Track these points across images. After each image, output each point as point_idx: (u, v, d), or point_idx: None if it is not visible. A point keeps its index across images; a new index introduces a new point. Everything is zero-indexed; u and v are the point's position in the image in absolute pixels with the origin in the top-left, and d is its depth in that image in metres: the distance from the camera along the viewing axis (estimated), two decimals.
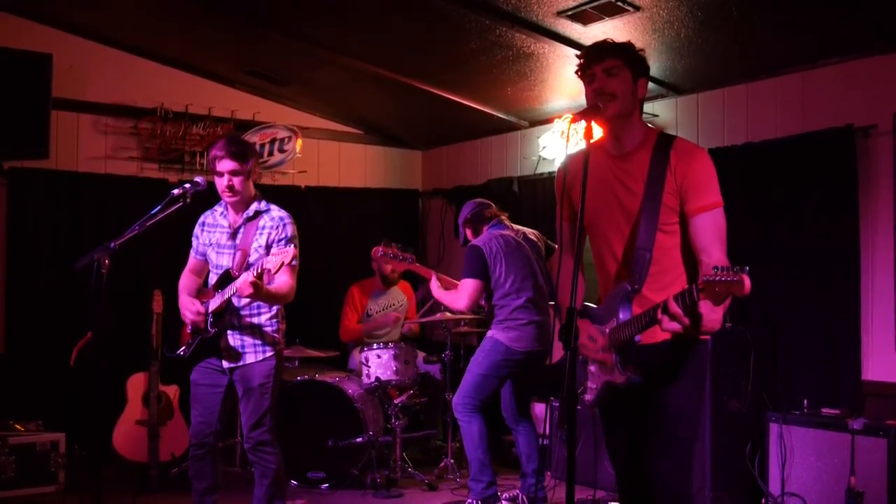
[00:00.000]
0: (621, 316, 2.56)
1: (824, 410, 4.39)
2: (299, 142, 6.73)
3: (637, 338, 2.48)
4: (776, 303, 4.84)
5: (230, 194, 3.70)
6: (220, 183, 3.70)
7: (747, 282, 2.10)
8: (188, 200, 3.58)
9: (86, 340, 5.24)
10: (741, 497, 4.58)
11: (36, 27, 5.87)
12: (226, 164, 3.68)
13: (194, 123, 6.38)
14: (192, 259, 4.00)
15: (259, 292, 3.50)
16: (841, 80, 4.67)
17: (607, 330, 2.61)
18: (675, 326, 2.31)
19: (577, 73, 2.74)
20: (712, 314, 2.29)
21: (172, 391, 5.37)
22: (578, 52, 2.78)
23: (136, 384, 5.38)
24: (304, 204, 6.90)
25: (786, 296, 4.81)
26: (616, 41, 2.74)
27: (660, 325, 2.35)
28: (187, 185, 3.59)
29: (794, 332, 4.77)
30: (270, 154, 6.67)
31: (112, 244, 3.23)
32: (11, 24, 5.79)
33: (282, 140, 6.69)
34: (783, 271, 4.83)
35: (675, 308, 2.28)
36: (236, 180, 3.69)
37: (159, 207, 3.48)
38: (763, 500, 4.47)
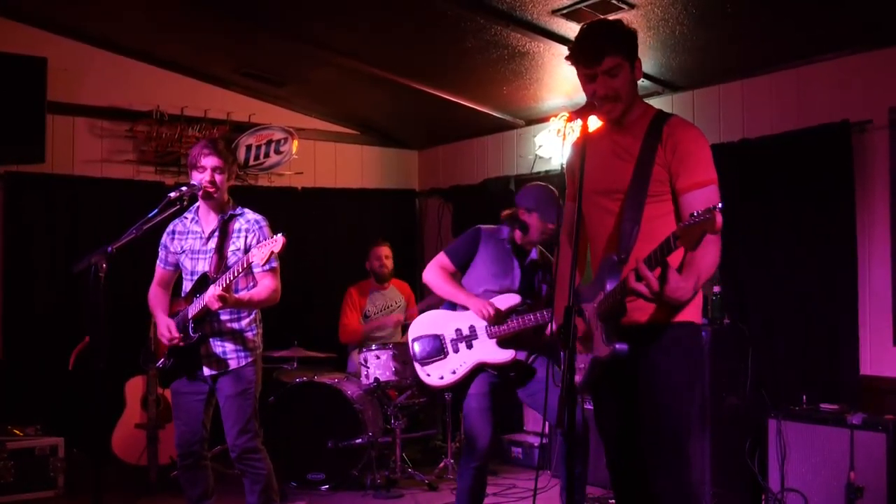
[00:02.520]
0: (608, 287, 2.49)
1: (823, 406, 4.38)
2: (295, 143, 6.72)
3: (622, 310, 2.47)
4: (774, 298, 4.84)
5: (212, 188, 3.67)
6: (202, 178, 3.66)
7: (719, 217, 2.08)
8: (185, 203, 3.60)
9: (84, 344, 5.23)
10: (741, 493, 4.58)
11: (30, 31, 5.85)
12: (210, 160, 3.68)
13: (190, 126, 6.37)
14: (161, 271, 3.93)
15: (227, 304, 3.52)
16: (836, 76, 4.68)
17: (595, 304, 2.55)
18: (642, 289, 2.30)
19: (569, 60, 2.65)
20: (681, 283, 2.32)
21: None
22: (573, 47, 2.69)
23: (134, 387, 5.37)
24: (300, 205, 6.92)
25: (783, 291, 4.81)
26: (608, 31, 2.61)
27: (628, 285, 2.33)
28: (184, 188, 3.60)
29: (792, 328, 4.77)
30: (267, 156, 6.66)
31: (109, 248, 3.22)
32: (5, 27, 5.77)
33: (278, 141, 6.68)
34: (780, 267, 4.83)
35: (644, 270, 2.28)
36: (219, 177, 3.68)
37: (156, 210, 3.48)
38: (763, 496, 4.47)
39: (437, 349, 4.10)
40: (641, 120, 2.65)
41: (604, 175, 2.66)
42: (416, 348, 4.15)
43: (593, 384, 2.65)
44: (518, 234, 4.06)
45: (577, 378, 2.61)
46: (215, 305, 3.48)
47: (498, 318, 3.95)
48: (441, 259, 4.15)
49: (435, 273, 4.13)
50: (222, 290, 3.46)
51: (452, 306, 4.14)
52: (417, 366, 4.17)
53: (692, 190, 2.51)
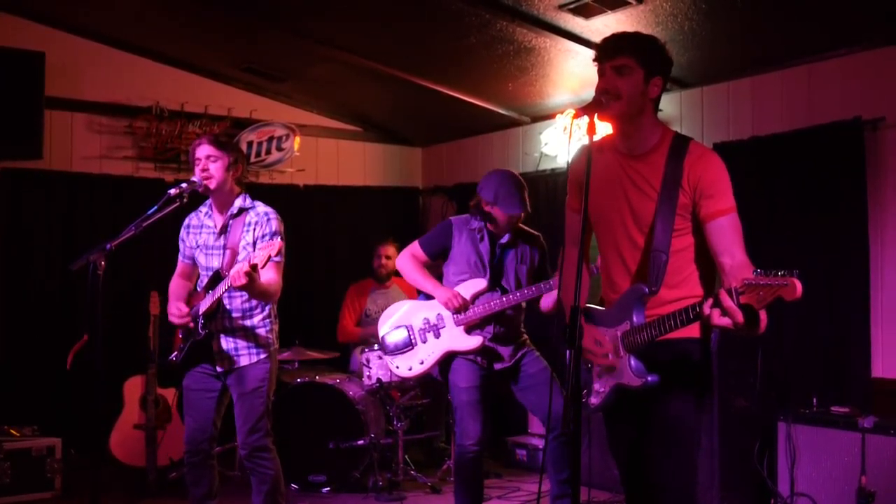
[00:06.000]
0: (636, 319, 2.50)
1: (833, 409, 4.33)
2: (297, 140, 6.67)
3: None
4: (783, 299, 4.77)
5: (205, 175, 3.62)
6: (197, 169, 3.64)
7: (799, 286, 2.07)
8: (185, 200, 3.55)
9: (82, 343, 5.16)
10: (750, 497, 4.52)
11: (28, 25, 5.80)
12: (203, 150, 3.66)
13: (190, 122, 6.31)
14: (181, 263, 3.92)
15: (253, 284, 3.39)
16: (848, 72, 4.62)
17: (619, 333, 2.54)
18: (727, 322, 2.24)
19: (593, 61, 2.67)
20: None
21: (170, 394, 5.30)
22: (586, 45, 2.69)
23: (133, 387, 5.31)
24: (303, 203, 6.88)
25: None
26: (635, 35, 2.65)
27: (708, 320, 2.28)
28: (184, 185, 3.57)
29: (802, 329, 4.71)
30: (268, 152, 6.60)
31: (108, 245, 3.20)
32: (3, 21, 5.72)
33: (279, 138, 6.62)
34: (790, 266, 4.73)
35: (728, 302, 2.21)
36: (212, 165, 3.63)
37: (156, 208, 3.45)
38: (772, 501, 4.42)
39: (406, 341, 4.17)
40: (660, 147, 2.62)
41: (626, 206, 2.64)
42: (386, 341, 4.22)
43: (609, 407, 2.65)
44: (488, 223, 4.09)
45: (596, 401, 2.63)
46: (242, 280, 3.30)
47: (464, 306, 4.00)
48: (414, 248, 4.21)
49: (406, 260, 4.20)
50: (249, 267, 3.29)
51: (427, 297, 4.19)
52: (387, 358, 4.24)
53: (717, 217, 2.53)
